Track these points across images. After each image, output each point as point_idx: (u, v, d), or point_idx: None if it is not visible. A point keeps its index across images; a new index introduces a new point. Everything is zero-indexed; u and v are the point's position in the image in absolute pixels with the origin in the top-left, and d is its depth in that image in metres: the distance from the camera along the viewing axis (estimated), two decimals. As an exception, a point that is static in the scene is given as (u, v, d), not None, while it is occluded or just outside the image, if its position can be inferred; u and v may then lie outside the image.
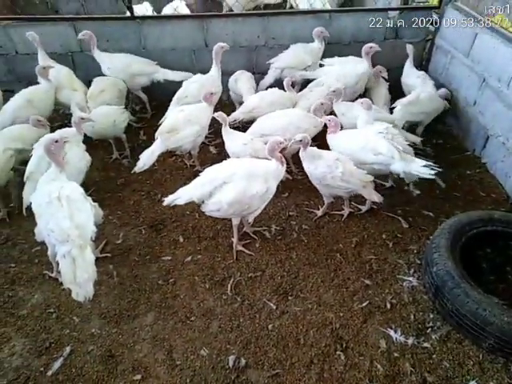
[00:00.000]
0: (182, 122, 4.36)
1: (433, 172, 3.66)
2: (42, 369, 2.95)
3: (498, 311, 2.81)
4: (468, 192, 4.39)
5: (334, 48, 5.55)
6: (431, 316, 3.22)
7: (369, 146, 3.89)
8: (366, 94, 5.40)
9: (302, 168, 3.95)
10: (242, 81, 5.26)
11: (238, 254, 3.78)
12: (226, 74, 5.22)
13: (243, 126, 4.90)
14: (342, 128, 4.22)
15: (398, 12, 5.57)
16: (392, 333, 3.11)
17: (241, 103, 5.16)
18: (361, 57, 5.09)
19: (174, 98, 5.00)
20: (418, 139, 4.65)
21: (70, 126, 4.19)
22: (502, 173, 4.46)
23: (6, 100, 4.92)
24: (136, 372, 2.93)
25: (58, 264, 3.16)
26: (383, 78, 5.26)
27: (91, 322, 3.26)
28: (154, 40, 5.65)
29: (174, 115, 4.54)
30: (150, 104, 5.74)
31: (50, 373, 2.92)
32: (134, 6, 5.64)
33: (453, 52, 5.26)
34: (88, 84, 5.22)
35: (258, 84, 5.47)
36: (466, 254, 3.30)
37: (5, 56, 5.67)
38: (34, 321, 3.27)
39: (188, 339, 3.13)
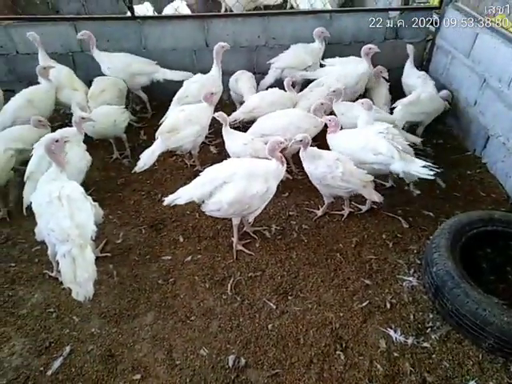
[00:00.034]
0: (183, 122, 4.37)
1: (432, 173, 3.66)
2: (41, 368, 2.95)
3: (497, 311, 2.81)
4: (468, 192, 4.39)
5: (335, 48, 5.55)
6: (431, 316, 3.21)
7: (369, 145, 3.89)
8: (366, 94, 5.40)
9: (303, 168, 3.95)
10: (242, 81, 5.26)
11: (238, 254, 3.78)
12: (226, 74, 5.22)
13: (244, 126, 4.91)
14: (341, 128, 4.22)
15: (398, 12, 5.58)
16: (392, 333, 3.11)
17: (241, 103, 5.17)
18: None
19: (175, 98, 5.01)
20: (417, 139, 4.65)
21: (71, 126, 4.20)
22: (502, 173, 4.46)
23: (6, 100, 4.92)
24: (136, 371, 2.93)
25: (58, 263, 3.16)
26: (384, 78, 5.26)
27: (91, 321, 3.26)
28: (154, 40, 5.66)
29: (174, 115, 4.54)
30: (151, 104, 5.75)
31: (49, 372, 2.93)
32: (135, 6, 5.65)
33: (453, 52, 5.26)
34: (89, 84, 5.23)
35: (258, 84, 5.47)
36: (466, 254, 3.30)
37: (5, 56, 5.68)
38: (33, 320, 3.27)
39: (188, 339, 3.13)
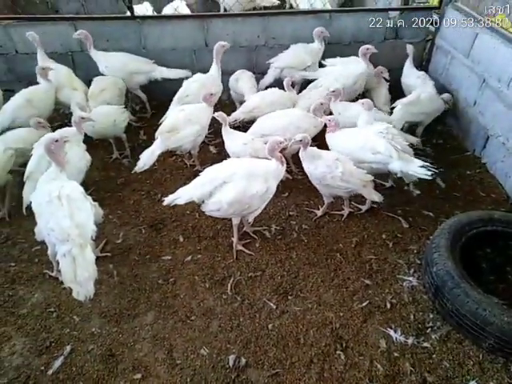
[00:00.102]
0: (183, 122, 4.37)
1: (430, 173, 3.66)
2: (42, 368, 2.95)
3: (497, 311, 2.81)
4: (468, 192, 4.39)
5: (335, 48, 5.56)
6: (431, 316, 3.22)
7: (367, 145, 3.90)
8: (366, 94, 5.41)
9: (302, 168, 3.95)
10: (243, 80, 5.26)
11: (238, 254, 3.78)
12: (226, 74, 5.22)
13: (243, 126, 4.91)
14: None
15: (398, 12, 5.58)
16: (392, 333, 3.11)
17: (241, 102, 5.16)
18: (362, 57, 5.10)
19: (175, 98, 5.01)
20: (415, 140, 4.63)
21: (70, 126, 4.20)
22: (501, 173, 4.46)
23: (6, 99, 4.92)
24: (136, 371, 2.93)
25: (58, 263, 3.16)
26: (384, 78, 5.27)
27: (91, 321, 3.26)
28: (154, 40, 5.65)
29: (174, 115, 4.54)
30: (150, 104, 5.75)
31: (50, 372, 2.93)
32: (134, 6, 5.64)
33: (453, 52, 5.26)
34: (88, 84, 5.22)
35: (258, 84, 5.46)
36: (465, 254, 3.30)
37: (5, 55, 5.68)
38: (34, 320, 3.27)
39: (188, 338, 3.13)
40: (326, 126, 4.22)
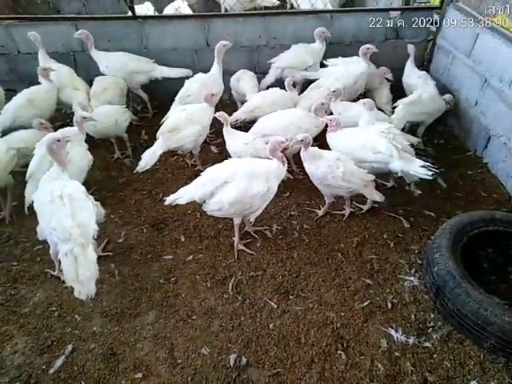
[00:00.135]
0: (184, 122, 4.37)
1: (430, 173, 3.65)
2: (43, 367, 2.96)
3: (499, 311, 2.81)
4: (469, 192, 4.39)
5: (336, 48, 5.55)
6: (432, 316, 3.22)
7: (368, 144, 3.90)
8: (367, 93, 5.42)
9: (303, 168, 3.95)
10: (245, 80, 5.27)
11: (240, 253, 3.79)
12: (227, 74, 5.22)
13: (245, 126, 4.91)
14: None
15: (399, 12, 5.58)
16: (393, 332, 3.11)
17: (243, 102, 5.16)
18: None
19: (177, 98, 5.01)
20: (416, 140, 4.63)
21: (72, 126, 4.20)
22: (503, 173, 4.46)
23: (8, 99, 4.93)
24: (137, 370, 2.94)
25: (59, 262, 3.17)
26: (387, 79, 5.27)
27: (93, 320, 3.27)
28: (155, 40, 5.66)
29: (175, 115, 4.54)
30: (152, 103, 5.76)
31: (51, 371, 2.93)
32: (136, 6, 5.64)
33: (454, 52, 5.26)
34: (90, 83, 5.24)
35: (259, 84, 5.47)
36: (467, 254, 3.30)
37: (7, 55, 5.68)
38: (36, 319, 3.28)
39: (189, 338, 3.14)
40: (327, 125, 4.22)
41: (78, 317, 3.29)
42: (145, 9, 6.84)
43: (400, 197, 4.33)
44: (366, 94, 5.41)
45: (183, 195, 3.51)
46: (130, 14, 5.55)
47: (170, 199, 3.55)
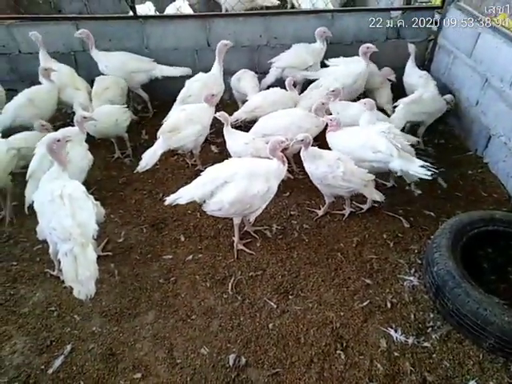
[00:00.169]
0: (184, 122, 4.37)
1: (429, 173, 3.65)
2: (42, 367, 2.96)
3: (498, 311, 2.81)
4: (470, 192, 4.38)
5: (336, 48, 5.55)
6: (432, 315, 3.21)
7: (368, 143, 3.90)
8: (367, 93, 5.41)
9: (303, 167, 3.95)
10: (246, 80, 5.27)
11: (239, 253, 3.79)
12: (228, 74, 5.24)
13: (245, 126, 4.91)
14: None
15: (400, 12, 5.57)
16: (392, 332, 3.11)
17: (244, 102, 5.16)
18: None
19: (178, 98, 5.01)
20: (415, 140, 4.61)
21: (73, 125, 4.21)
22: (503, 173, 4.45)
23: (9, 99, 4.93)
24: (136, 370, 2.94)
25: (59, 262, 3.17)
26: (389, 79, 5.28)
27: (92, 320, 3.27)
28: (156, 40, 5.66)
29: (175, 114, 4.55)
30: (152, 103, 5.76)
31: (50, 371, 2.94)
32: (137, 6, 5.64)
33: (455, 52, 5.25)
34: (90, 83, 5.25)
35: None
36: (467, 254, 3.29)
37: (8, 55, 5.69)
38: (35, 319, 3.28)
39: (188, 338, 3.14)
40: (327, 125, 4.21)
41: (78, 317, 3.29)
42: (146, 9, 6.83)
43: (400, 197, 4.32)
44: (365, 93, 5.40)
45: (183, 195, 3.51)
46: (131, 13, 5.56)
47: (170, 199, 3.55)
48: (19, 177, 4.17)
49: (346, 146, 3.98)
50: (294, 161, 4.62)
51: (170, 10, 7.02)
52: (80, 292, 3.02)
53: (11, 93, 5.15)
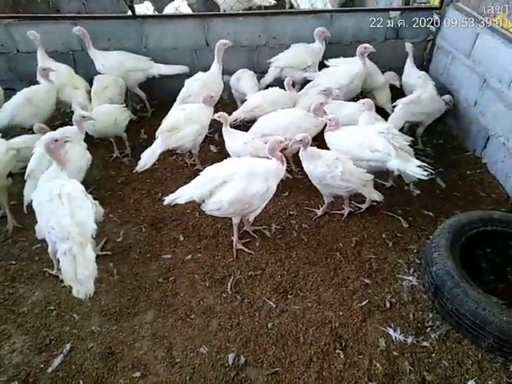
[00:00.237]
0: (183, 121, 4.37)
1: (426, 173, 3.65)
2: (42, 365, 2.96)
3: (497, 311, 2.81)
4: (468, 192, 4.39)
5: (335, 48, 5.56)
6: (430, 315, 3.22)
7: (366, 143, 3.91)
8: (366, 93, 5.42)
9: (302, 167, 3.95)
10: (245, 79, 5.28)
11: (238, 253, 3.79)
12: (226, 73, 5.25)
13: (244, 126, 4.91)
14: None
15: (399, 12, 5.58)
16: (391, 332, 3.11)
17: (243, 101, 5.17)
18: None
19: (178, 98, 5.01)
20: (408, 139, 4.59)
21: (71, 125, 4.20)
22: (502, 173, 4.46)
23: (7, 98, 4.93)
24: (136, 369, 2.94)
25: (58, 261, 3.16)
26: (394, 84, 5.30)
27: (91, 319, 3.27)
28: (155, 39, 5.66)
29: (174, 114, 4.55)
30: (150, 103, 5.77)
31: (50, 370, 2.93)
32: (135, 6, 5.64)
33: (454, 52, 5.26)
34: (89, 82, 5.24)
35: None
36: (465, 254, 3.30)
37: (6, 54, 5.68)
38: (34, 318, 3.28)
39: (188, 337, 3.13)
40: (325, 125, 4.22)
41: (77, 316, 3.29)
42: (144, 8, 6.84)
43: (399, 197, 4.33)
44: (363, 92, 5.41)
45: (182, 195, 3.51)
46: (129, 13, 5.55)
47: (169, 199, 3.54)
48: (18, 176, 4.16)
49: (344, 146, 3.98)
50: (293, 161, 4.62)
51: (168, 9, 7.02)
52: (79, 291, 3.02)
53: (9, 92, 5.15)
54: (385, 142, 3.82)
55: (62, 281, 3.33)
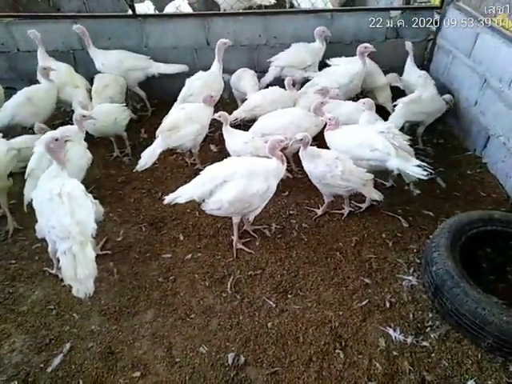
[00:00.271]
0: (183, 120, 4.37)
1: (425, 173, 3.65)
2: (41, 365, 2.96)
3: (497, 310, 2.81)
4: (468, 192, 4.39)
5: (336, 47, 5.55)
6: (430, 315, 3.22)
7: (365, 142, 3.91)
8: (367, 92, 5.42)
9: (302, 167, 3.95)
10: (246, 79, 5.27)
11: (238, 252, 3.79)
12: (227, 73, 5.24)
13: (244, 125, 4.91)
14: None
15: (399, 12, 5.57)
16: (391, 331, 3.11)
17: (243, 101, 5.17)
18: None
19: (179, 97, 5.01)
20: (407, 137, 4.60)
21: (72, 124, 4.20)
22: (502, 173, 4.46)
23: (8, 97, 4.93)
24: (135, 369, 2.94)
25: (58, 261, 3.16)
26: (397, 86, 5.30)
27: (91, 318, 3.27)
28: (156, 38, 5.65)
29: (175, 113, 4.55)
30: (151, 102, 5.76)
31: (49, 369, 2.94)
32: (136, 5, 5.63)
33: (454, 52, 5.25)
34: (90, 81, 5.24)
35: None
36: (465, 254, 3.30)
37: (6, 53, 5.67)
38: (34, 317, 3.28)
39: (187, 336, 3.14)
40: (325, 125, 4.22)
41: (76, 315, 3.29)
42: (145, 7, 6.83)
43: (399, 196, 4.33)
44: (363, 92, 5.41)
45: (182, 194, 3.51)
46: (130, 12, 5.54)
47: (169, 198, 3.54)
48: (18, 175, 4.15)
49: (344, 145, 3.98)
50: (293, 160, 4.62)
51: (169, 8, 7.01)
52: (79, 290, 3.02)
53: (10, 91, 5.14)
54: (384, 141, 3.83)
55: (61, 280, 3.33)
